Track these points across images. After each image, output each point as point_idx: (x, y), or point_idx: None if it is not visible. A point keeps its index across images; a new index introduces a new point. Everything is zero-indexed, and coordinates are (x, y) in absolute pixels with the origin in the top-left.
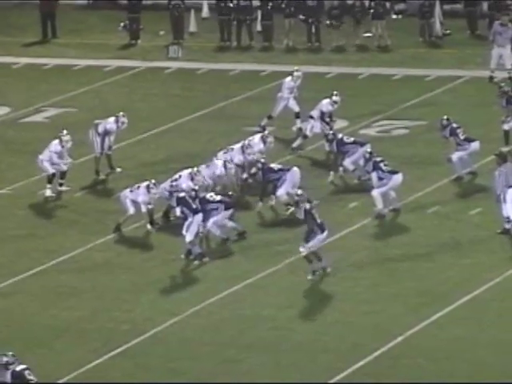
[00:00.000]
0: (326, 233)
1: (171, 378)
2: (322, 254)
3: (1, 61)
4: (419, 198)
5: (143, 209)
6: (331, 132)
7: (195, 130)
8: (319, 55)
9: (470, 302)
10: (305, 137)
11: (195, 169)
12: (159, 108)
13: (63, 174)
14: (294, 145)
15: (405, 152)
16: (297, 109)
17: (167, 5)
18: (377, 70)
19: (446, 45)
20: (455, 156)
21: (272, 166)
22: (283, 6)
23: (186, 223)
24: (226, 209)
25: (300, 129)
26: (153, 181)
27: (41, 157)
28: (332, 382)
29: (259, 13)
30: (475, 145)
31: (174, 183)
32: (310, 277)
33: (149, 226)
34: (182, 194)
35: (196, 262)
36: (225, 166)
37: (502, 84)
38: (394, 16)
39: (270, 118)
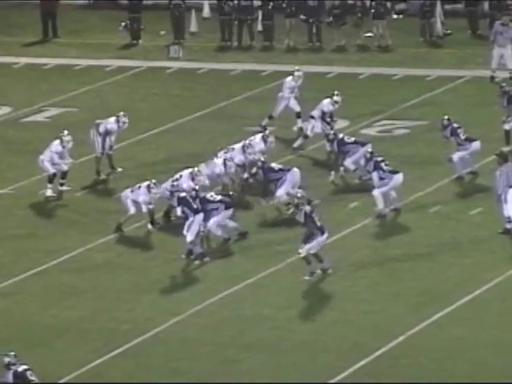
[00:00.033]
0: (325, 235)
1: (172, 378)
2: (322, 255)
3: (1, 60)
4: (420, 197)
5: (144, 209)
6: (332, 132)
7: (196, 130)
8: (320, 55)
9: (471, 301)
10: (306, 137)
11: (196, 169)
12: (160, 108)
13: (64, 174)
14: (295, 145)
15: (405, 152)
16: (298, 109)
17: (168, 5)
18: (377, 70)
19: (446, 45)
20: (456, 156)
21: (272, 165)
22: (284, 5)
23: (187, 223)
24: (226, 208)
25: (301, 129)
26: (153, 181)
27: (42, 157)
28: (332, 381)
29: (260, 13)
30: (476, 145)
31: (175, 183)
32: (307, 277)
33: (150, 226)
34: (182, 194)
35: (197, 262)
36: (225, 165)
37: (503, 84)
38: (395, 16)
39: (270, 117)
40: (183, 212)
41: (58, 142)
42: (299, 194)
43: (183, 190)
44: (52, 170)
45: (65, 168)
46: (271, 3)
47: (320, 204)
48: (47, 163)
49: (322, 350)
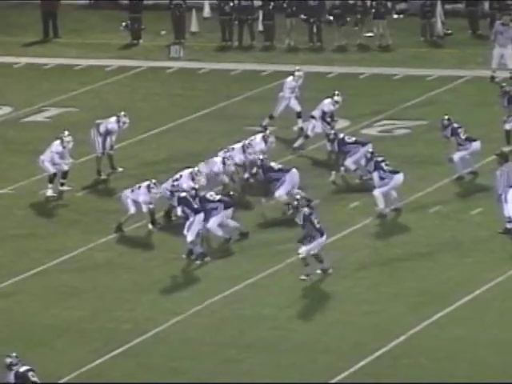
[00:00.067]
0: (324, 236)
1: (172, 378)
2: (323, 255)
3: (2, 60)
4: (420, 197)
5: (144, 209)
6: (333, 132)
7: (196, 130)
8: (320, 55)
9: (471, 301)
10: (306, 137)
11: (196, 169)
12: (160, 108)
13: (65, 174)
14: (296, 144)
15: (406, 152)
16: (298, 108)
17: (168, 4)
18: (378, 70)
19: (447, 44)
20: (456, 156)
21: (272, 164)
22: (285, 5)
23: (188, 223)
24: (226, 208)
25: (301, 128)
26: (153, 180)
27: (42, 157)
28: (332, 382)
29: (260, 12)
30: (476, 144)
31: (176, 183)
32: (302, 277)
33: (150, 226)
34: (183, 194)
35: (197, 262)
36: (223, 163)
37: (504, 84)
38: (396, 16)
39: (271, 117)
40: (183, 212)
41: (58, 142)
42: (298, 196)
43: (183, 190)
44: (52, 170)
45: (65, 168)
46: (272, 3)
47: (320, 204)
48: (48, 163)
49: (323, 350)
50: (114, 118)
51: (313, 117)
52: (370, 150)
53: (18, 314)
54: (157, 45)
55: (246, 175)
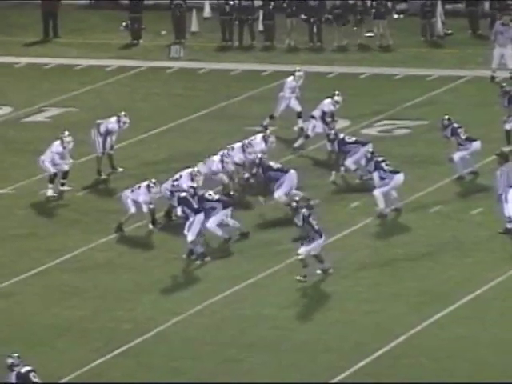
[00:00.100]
0: (323, 237)
1: (173, 378)
2: (323, 255)
3: (2, 60)
4: (421, 197)
5: (144, 209)
6: (333, 132)
7: (197, 130)
8: (321, 55)
9: (472, 301)
10: (306, 136)
11: (196, 169)
12: (161, 108)
13: (65, 174)
14: (296, 144)
15: (406, 152)
16: (298, 108)
17: (169, 4)
18: (378, 70)
19: (447, 44)
20: (457, 156)
21: (271, 163)
22: (285, 5)
23: (188, 223)
24: (224, 208)
25: (302, 128)
26: (153, 180)
27: (42, 157)
28: (333, 381)
29: (261, 12)
30: (476, 144)
31: (176, 183)
32: (298, 278)
33: (151, 226)
34: (183, 194)
35: (198, 262)
36: (222, 161)
37: (504, 84)
38: (396, 16)
39: (271, 117)
40: (184, 212)
41: (58, 142)
42: (297, 197)
43: (183, 190)
44: (53, 170)
45: (66, 168)
46: (272, 3)
47: (321, 204)
48: (48, 163)
49: (323, 349)
50: (114, 118)
51: (313, 117)
52: (371, 149)
53: (18, 314)
54: (157, 45)
55: (246, 175)
